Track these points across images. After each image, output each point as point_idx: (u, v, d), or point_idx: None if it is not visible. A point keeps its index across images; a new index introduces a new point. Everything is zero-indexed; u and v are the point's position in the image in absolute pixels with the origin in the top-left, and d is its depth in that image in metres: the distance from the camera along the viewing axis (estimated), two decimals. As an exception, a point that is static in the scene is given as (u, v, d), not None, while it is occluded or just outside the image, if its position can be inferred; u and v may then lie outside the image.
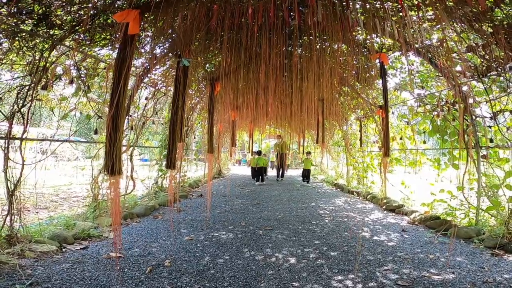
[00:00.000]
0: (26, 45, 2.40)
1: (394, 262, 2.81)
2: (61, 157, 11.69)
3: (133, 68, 3.79)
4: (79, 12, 2.34)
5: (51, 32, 2.44)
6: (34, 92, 2.41)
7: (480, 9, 2.68)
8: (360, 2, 3.14)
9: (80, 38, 2.64)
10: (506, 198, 3.36)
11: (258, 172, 9.22)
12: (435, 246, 3.31)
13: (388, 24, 3.18)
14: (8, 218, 2.74)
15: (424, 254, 3.05)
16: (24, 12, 2.20)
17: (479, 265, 2.75)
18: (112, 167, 1.60)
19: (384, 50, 4.07)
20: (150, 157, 9.05)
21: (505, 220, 3.27)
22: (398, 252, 3.11)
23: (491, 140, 3.59)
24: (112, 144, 1.55)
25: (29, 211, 4.50)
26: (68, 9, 2.31)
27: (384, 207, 5.45)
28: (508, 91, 3.22)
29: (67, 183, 7.71)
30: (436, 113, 4.30)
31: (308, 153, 9.93)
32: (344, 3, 3.16)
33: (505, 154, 3.60)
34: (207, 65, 4.62)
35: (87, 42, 2.73)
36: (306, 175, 9.38)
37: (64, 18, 2.38)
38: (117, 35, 2.38)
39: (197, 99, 6.26)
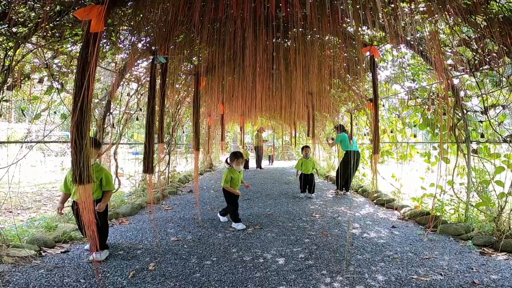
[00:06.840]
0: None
1: (383, 262, 2.78)
2: (49, 152, 11.39)
3: (112, 64, 3.60)
4: (44, 8, 2.15)
5: (14, 30, 2.25)
6: (1, 93, 2.25)
7: (474, 1, 2.57)
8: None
9: (48, 35, 2.44)
10: (497, 194, 3.33)
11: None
12: (424, 244, 3.29)
13: (379, 16, 3.05)
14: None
15: (413, 253, 3.02)
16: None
17: (467, 265, 2.71)
18: (80, 175, 1.48)
19: (375, 43, 3.94)
20: (140, 151, 8.87)
21: (495, 217, 3.24)
22: (387, 251, 3.08)
23: (482, 135, 3.54)
24: (78, 152, 1.42)
25: (10, 212, 4.35)
26: (32, 5, 2.12)
27: (375, 201, 5.43)
28: (501, 85, 3.15)
29: (52, 181, 7.51)
30: (426, 106, 4.23)
31: (307, 147, 6.25)
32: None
33: (495, 150, 3.55)
34: (193, 58, 4.44)
35: (58, 39, 2.53)
36: (308, 183, 5.87)
37: (28, 14, 2.18)
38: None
39: (185, 92, 6.07)
